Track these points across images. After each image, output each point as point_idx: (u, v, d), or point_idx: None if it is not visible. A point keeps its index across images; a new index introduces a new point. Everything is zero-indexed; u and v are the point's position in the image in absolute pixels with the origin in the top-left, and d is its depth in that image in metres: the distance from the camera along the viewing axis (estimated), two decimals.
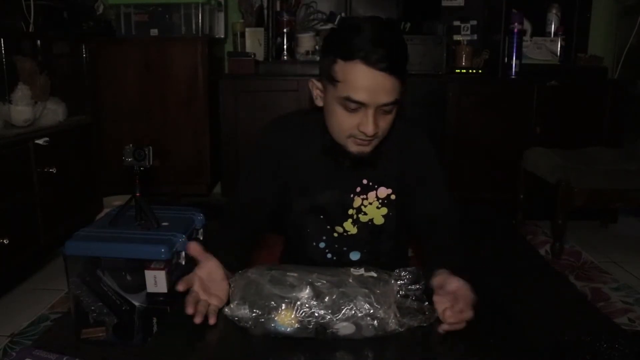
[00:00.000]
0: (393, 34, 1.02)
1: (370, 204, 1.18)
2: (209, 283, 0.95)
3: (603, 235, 2.72)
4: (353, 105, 1.00)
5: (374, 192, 1.18)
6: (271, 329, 0.87)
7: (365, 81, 0.98)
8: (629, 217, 2.88)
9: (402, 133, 1.17)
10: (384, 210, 1.19)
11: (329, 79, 1.03)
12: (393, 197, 1.19)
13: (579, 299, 1.18)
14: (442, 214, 1.16)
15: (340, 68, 1.00)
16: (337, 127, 1.06)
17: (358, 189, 1.18)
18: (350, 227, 1.20)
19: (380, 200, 1.18)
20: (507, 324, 0.93)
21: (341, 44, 1.01)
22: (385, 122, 1.04)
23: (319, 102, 1.10)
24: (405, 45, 1.04)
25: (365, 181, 1.17)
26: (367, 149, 1.07)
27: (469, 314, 0.88)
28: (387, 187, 1.18)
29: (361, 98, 0.99)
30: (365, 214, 1.19)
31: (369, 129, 1.00)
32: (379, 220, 1.20)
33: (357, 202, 1.18)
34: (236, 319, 0.89)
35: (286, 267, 0.95)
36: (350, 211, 1.19)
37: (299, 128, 1.19)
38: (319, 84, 1.09)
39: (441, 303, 0.90)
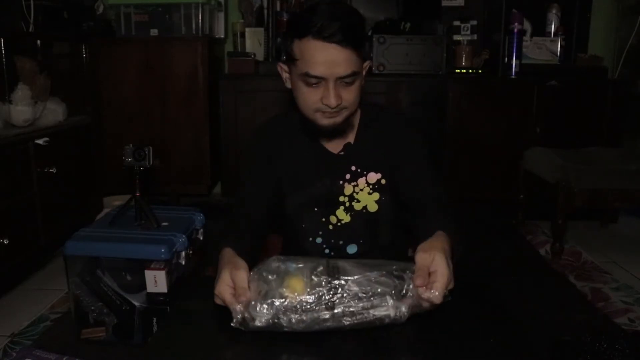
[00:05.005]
0: (346, 8, 1.07)
1: (362, 190, 1.20)
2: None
3: (603, 235, 2.72)
4: (313, 80, 1.05)
5: (364, 177, 1.20)
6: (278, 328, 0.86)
7: (319, 55, 1.02)
8: (629, 217, 2.88)
9: (389, 122, 1.22)
10: (376, 196, 1.21)
11: (290, 58, 1.08)
12: (383, 181, 1.20)
13: (579, 299, 1.18)
14: (430, 199, 1.14)
15: (297, 46, 1.05)
16: (303, 103, 1.10)
17: (347, 176, 1.20)
18: (343, 215, 1.22)
19: (370, 186, 1.20)
20: (507, 324, 0.93)
21: (297, 24, 1.06)
22: (349, 93, 1.07)
23: (288, 84, 1.14)
24: (361, 18, 1.08)
25: (353, 167, 1.20)
26: (337, 119, 1.10)
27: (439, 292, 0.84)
28: (376, 172, 1.20)
29: (318, 72, 1.03)
30: (358, 201, 1.21)
31: (331, 101, 1.04)
32: (372, 207, 1.21)
33: (349, 189, 1.20)
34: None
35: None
36: (342, 198, 1.21)
37: (284, 126, 1.23)
38: (285, 67, 1.13)
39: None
